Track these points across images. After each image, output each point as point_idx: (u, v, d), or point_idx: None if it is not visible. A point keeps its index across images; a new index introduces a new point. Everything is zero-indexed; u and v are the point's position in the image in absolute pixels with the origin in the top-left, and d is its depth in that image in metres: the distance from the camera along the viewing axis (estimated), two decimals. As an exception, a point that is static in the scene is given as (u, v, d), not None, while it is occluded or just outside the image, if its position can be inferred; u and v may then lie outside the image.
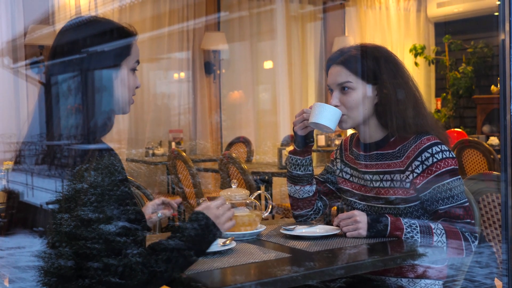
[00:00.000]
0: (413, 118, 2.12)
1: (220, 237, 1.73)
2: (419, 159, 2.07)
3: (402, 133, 2.13)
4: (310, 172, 2.31)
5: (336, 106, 2.15)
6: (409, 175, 2.08)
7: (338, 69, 2.17)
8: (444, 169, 2.04)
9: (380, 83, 2.14)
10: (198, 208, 1.74)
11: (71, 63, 1.72)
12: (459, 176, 2.08)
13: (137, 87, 1.81)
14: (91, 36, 1.74)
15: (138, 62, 1.81)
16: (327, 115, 2.11)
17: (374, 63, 2.14)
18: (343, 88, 2.15)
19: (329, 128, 2.11)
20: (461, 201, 2.05)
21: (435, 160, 2.05)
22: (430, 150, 2.06)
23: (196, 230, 1.69)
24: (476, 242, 2.05)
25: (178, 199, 2.15)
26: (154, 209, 2.09)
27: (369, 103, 2.15)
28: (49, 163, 1.70)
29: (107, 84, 1.73)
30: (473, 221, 2.06)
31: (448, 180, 2.04)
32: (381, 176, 2.14)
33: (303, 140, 2.26)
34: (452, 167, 2.05)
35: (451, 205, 2.04)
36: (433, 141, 2.08)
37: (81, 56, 1.71)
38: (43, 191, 1.70)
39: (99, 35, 1.75)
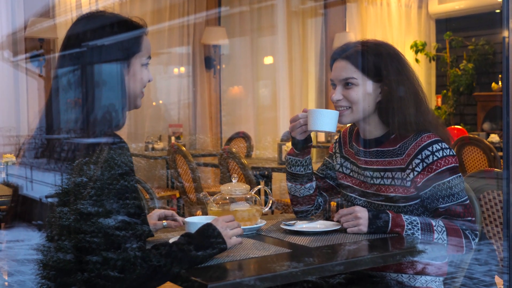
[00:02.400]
0: (414, 117, 2.11)
1: (225, 249, 1.73)
2: (419, 157, 2.06)
3: (403, 132, 2.12)
4: (310, 171, 2.31)
5: (338, 100, 2.15)
6: (409, 173, 2.07)
7: (342, 64, 2.15)
8: (444, 167, 2.03)
9: (384, 81, 2.12)
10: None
11: (80, 57, 1.72)
12: (460, 174, 2.07)
13: (149, 81, 1.82)
14: (101, 31, 1.74)
15: (149, 57, 1.81)
16: (325, 121, 2.10)
17: (379, 60, 2.12)
18: (347, 84, 2.14)
19: (331, 131, 2.12)
20: (462, 199, 2.05)
21: (435, 158, 2.04)
22: (430, 148, 2.05)
23: (202, 235, 1.70)
24: (477, 240, 2.05)
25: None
26: (161, 217, 2.08)
27: (371, 100, 2.14)
28: (55, 156, 1.70)
29: (117, 79, 1.74)
30: (473, 219, 2.05)
31: (448, 178, 2.04)
32: (382, 173, 2.14)
33: (302, 143, 2.25)
34: (453, 165, 2.05)
35: (452, 203, 2.04)
36: (433, 139, 2.07)
37: (91, 51, 1.71)
38: (47, 185, 1.70)
39: (109, 30, 1.75)
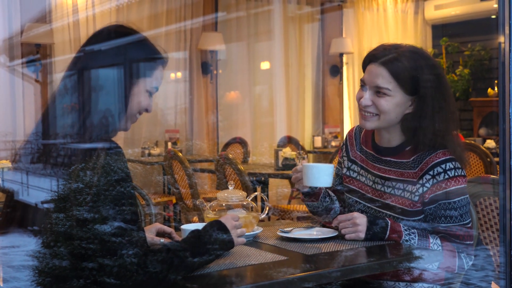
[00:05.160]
0: (440, 135, 2.05)
1: (232, 247, 1.74)
2: (431, 173, 2.03)
3: (422, 146, 2.07)
4: (327, 203, 2.27)
5: (367, 105, 2.07)
6: (419, 188, 2.05)
7: (379, 71, 2.05)
8: (454, 187, 2.01)
9: (417, 95, 2.05)
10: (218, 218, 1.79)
11: (87, 62, 1.73)
12: (467, 195, 2.05)
13: (147, 110, 1.81)
14: (127, 44, 1.77)
15: (157, 88, 1.81)
16: (320, 176, 2.07)
17: (417, 74, 2.04)
18: (379, 92, 2.05)
19: (327, 187, 2.10)
20: (464, 222, 2.03)
21: (446, 176, 2.01)
22: (443, 166, 2.02)
23: (203, 240, 1.70)
24: (471, 263, 2.04)
25: None
26: (160, 233, 2.05)
27: (400, 111, 2.07)
28: (45, 162, 1.70)
29: (122, 89, 1.74)
30: (472, 242, 2.04)
31: (455, 199, 2.02)
32: (394, 183, 2.10)
33: (308, 191, 2.22)
34: (462, 185, 2.02)
35: (454, 223, 2.02)
36: (448, 157, 2.03)
37: (101, 57, 1.73)
38: (42, 190, 1.70)
39: (131, 45, 1.78)
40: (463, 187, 2.02)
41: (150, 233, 2.01)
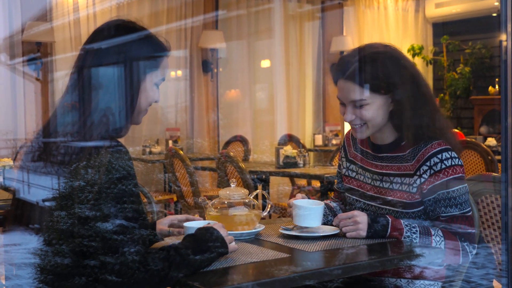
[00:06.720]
0: (427, 123, 2.08)
1: (227, 248, 1.74)
2: (428, 164, 2.04)
3: (414, 139, 2.09)
4: (331, 219, 2.27)
5: (351, 120, 2.10)
6: (416, 179, 2.06)
7: (348, 86, 2.07)
8: (451, 177, 2.02)
9: (393, 91, 2.07)
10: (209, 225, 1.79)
11: (101, 63, 1.73)
12: (466, 185, 2.06)
13: (156, 101, 1.82)
14: (131, 42, 1.77)
15: (164, 79, 1.83)
16: (310, 217, 2.07)
17: (383, 73, 2.05)
18: (357, 104, 2.07)
19: (315, 227, 2.09)
20: (465, 210, 2.04)
21: (443, 166, 2.02)
22: (439, 156, 2.03)
23: (203, 238, 1.70)
24: (474, 252, 2.04)
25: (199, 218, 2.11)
26: (174, 222, 2.05)
27: (384, 112, 2.09)
28: (46, 160, 1.70)
29: (132, 89, 1.75)
30: (474, 231, 2.04)
31: (454, 188, 2.02)
32: (392, 178, 2.12)
33: None
34: (460, 174, 2.03)
35: (454, 213, 2.02)
36: (443, 147, 2.05)
37: (114, 59, 1.73)
38: (44, 188, 1.70)
39: (135, 42, 1.78)
40: (461, 176, 2.04)
41: (161, 225, 2.02)
